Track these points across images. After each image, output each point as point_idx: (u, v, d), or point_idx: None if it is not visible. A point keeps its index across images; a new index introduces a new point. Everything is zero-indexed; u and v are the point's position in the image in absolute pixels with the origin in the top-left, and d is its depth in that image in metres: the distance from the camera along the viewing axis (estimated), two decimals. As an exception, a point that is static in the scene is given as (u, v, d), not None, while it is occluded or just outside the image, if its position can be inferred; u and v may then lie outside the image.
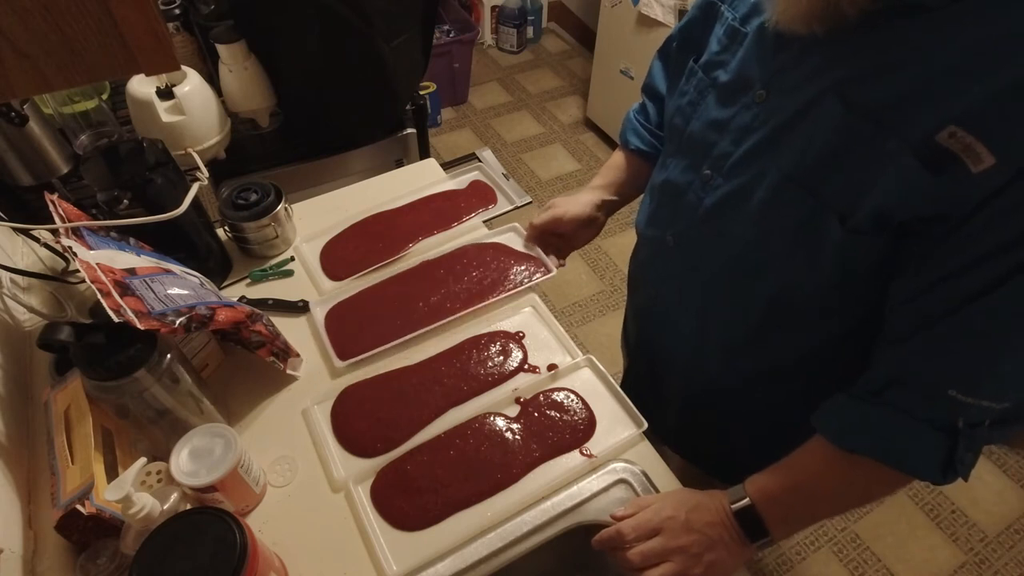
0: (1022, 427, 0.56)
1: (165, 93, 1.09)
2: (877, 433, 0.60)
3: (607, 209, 0.97)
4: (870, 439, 0.60)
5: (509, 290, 0.97)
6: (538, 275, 0.99)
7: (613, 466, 0.78)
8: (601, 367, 0.88)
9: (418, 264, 1.01)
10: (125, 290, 0.67)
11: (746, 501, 0.65)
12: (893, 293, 0.59)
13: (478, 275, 0.99)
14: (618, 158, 0.98)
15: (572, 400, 0.85)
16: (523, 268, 1.00)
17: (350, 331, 0.92)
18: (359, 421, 0.82)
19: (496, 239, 1.06)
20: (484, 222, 1.10)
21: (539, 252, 1.01)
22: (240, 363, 0.89)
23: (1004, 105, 0.46)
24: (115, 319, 0.61)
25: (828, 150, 0.56)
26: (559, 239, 1.01)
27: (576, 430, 0.81)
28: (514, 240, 1.05)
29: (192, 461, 0.67)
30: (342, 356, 0.89)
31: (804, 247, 0.62)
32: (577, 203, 0.96)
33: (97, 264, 0.69)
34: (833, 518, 0.61)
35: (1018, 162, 0.46)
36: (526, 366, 0.89)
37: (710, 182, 0.69)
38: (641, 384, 1.00)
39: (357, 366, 0.89)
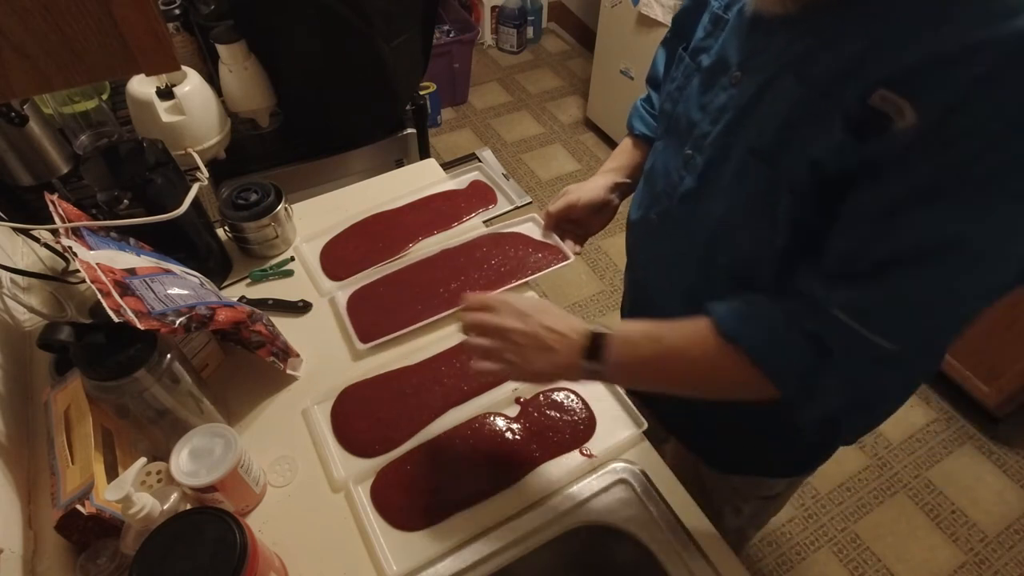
0: (905, 376, 0.55)
1: (165, 93, 1.09)
2: (756, 325, 0.60)
3: (620, 192, 0.98)
4: (747, 329, 0.60)
5: (528, 276, 0.98)
6: (555, 262, 1.00)
7: (613, 466, 0.79)
8: (601, 367, 0.88)
9: (438, 252, 1.03)
10: (125, 290, 0.67)
11: (604, 329, 0.67)
12: (826, 247, 0.59)
13: (497, 263, 1.00)
14: (626, 143, 1.00)
15: (572, 400, 0.85)
16: (541, 255, 1.01)
17: (371, 316, 0.94)
18: (359, 421, 0.82)
19: (516, 229, 1.07)
20: (484, 222, 1.10)
21: (556, 239, 1.03)
22: (240, 363, 0.89)
23: (933, 68, 0.47)
24: (115, 319, 0.61)
25: (783, 123, 0.58)
26: (575, 225, 1.02)
27: (576, 430, 0.81)
28: (533, 230, 1.07)
29: (192, 461, 0.67)
30: (364, 339, 0.90)
31: (767, 218, 0.63)
32: (591, 188, 0.97)
33: (97, 264, 0.69)
34: (682, 393, 0.62)
35: (936, 119, 0.47)
36: (526, 366, 0.89)
37: (691, 162, 0.71)
38: None
39: (377, 350, 0.91)
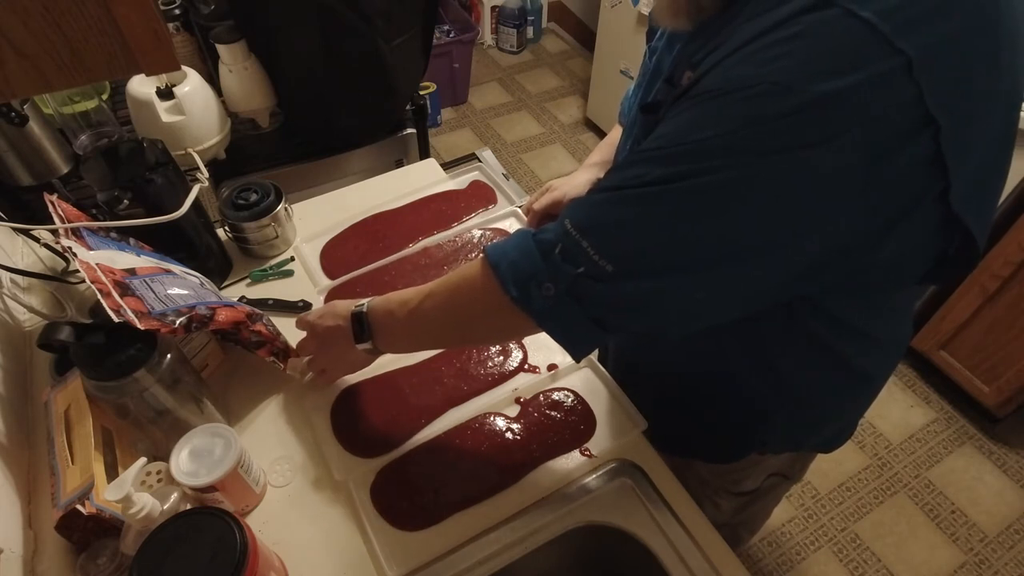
0: (616, 298, 0.56)
1: (165, 93, 1.09)
2: (507, 240, 0.61)
3: None
4: (500, 244, 0.62)
5: None
6: None
7: (613, 465, 0.79)
8: (601, 367, 0.88)
9: (420, 251, 1.03)
10: (125, 290, 0.67)
11: (363, 307, 0.73)
12: None
13: None
14: (613, 134, 1.00)
15: (572, 400, 0.85)
16: None
17: None
18: (359, 421, 0.82)
19: (497, 225, 1.08)
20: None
21: None
22: (240, 363, 0.89)
23: (727, 57, 0.49)
24: (115, 319, 0.62)
25: (654, 120, 0.60)
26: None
27: (576, 430, 0.81)
28: (515, 226, 1.07)
29: (192, 461, 0.67)
30: None
31: None
32: (576, 185, 0.97)
33: (97, 264, 0.69)
34: (453, 338, 0.67)
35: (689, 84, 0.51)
36: (526, 366, 0.89)
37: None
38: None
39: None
